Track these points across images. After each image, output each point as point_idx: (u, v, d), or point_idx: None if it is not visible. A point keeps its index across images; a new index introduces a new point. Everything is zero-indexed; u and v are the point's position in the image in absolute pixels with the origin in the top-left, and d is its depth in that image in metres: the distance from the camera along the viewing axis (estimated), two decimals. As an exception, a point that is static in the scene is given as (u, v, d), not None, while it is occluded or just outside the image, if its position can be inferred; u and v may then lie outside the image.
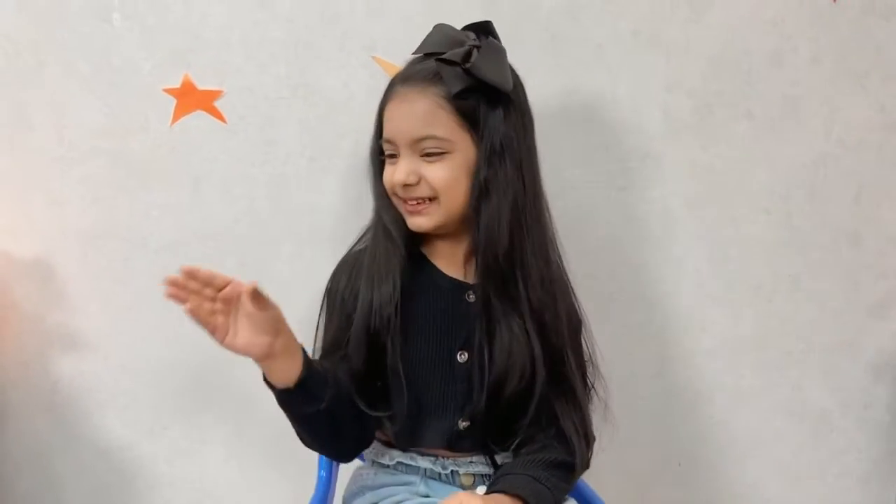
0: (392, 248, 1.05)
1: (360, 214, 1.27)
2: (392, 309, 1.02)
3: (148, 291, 1.30)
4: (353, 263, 1.08)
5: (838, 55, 1.35)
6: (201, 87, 1.26)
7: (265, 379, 0.97)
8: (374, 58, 1.28)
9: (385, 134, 1.04)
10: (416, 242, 1.07)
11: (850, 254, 1.40)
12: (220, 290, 0.89)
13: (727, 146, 1.35)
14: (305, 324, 1.28)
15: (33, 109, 1.26)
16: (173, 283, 0.88)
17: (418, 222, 1.04)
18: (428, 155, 1.01)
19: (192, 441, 1.34)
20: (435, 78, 1.01)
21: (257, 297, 0.89)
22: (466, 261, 1.07)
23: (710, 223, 1.37)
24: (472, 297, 1.06)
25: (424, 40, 1.06)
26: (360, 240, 1.12)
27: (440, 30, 1.07)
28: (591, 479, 1.16)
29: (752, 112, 1.35)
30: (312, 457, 1.22)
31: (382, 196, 1.07)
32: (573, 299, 1.12)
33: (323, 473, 1.15)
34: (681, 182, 1.35)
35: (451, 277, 1.07)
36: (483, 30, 1.06)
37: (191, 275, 0.88)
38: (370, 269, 1.05)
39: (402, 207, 1.05)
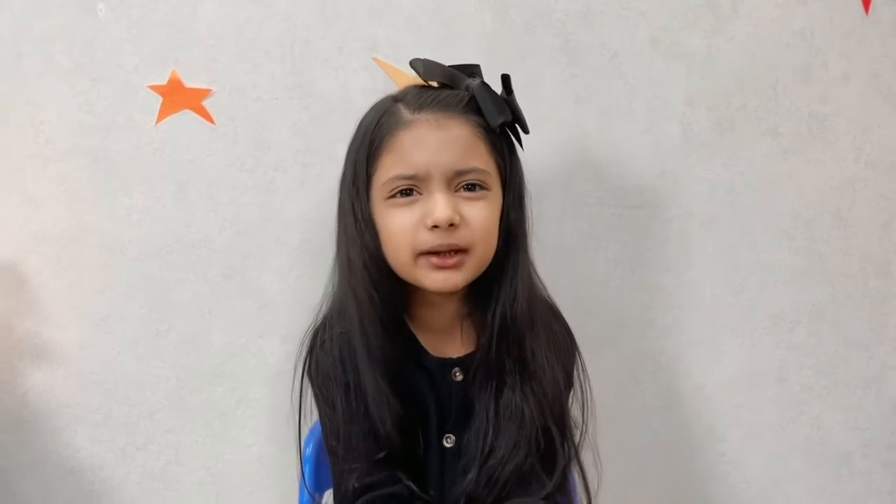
0: (382, 336, 0.93)
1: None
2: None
3: (126, 301, 1.22)
4: (343, 344, 0.96)
5: (870, 72, 1.28)
6: (189, 84, 1.19)
7: None
8: (374, 59, 1.20)
9: (405, 170, 0.89)
10: (398, 308, 0.96)
11: (878, 284, 1.32)
12: None
13: (749, 165, 1.27)
14: (289, 342, 1.20)
15: (9, 103, 1.18)
16: None
17: (450, 280, 0.90)
18: (468, 192, 0.90)
19: (167, 463, 1.26)
20: (467, 105, 0.92)
21: None
22: (454, 329, 0.97)
23: (729, 247, 1.29)
24: (458, 376, 0.97)
25: (426, 71, 0.97)
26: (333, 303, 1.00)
27: (433, 64, 0.97)
28: (592, 518, 1.07)
29: (776, 130, 1.27)
30: (294, 485, 1.14)
31: (371, 258, 0.93)
32: (571, 360, 1.02)
33: (304, 507, 1.07)
34: (698, 202, 1.28)
35: (435, 356, 0.97)
36: (471, 72, 0.96)
37: None
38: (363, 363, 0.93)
39: (420, 264, 0.90)
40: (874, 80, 1.28)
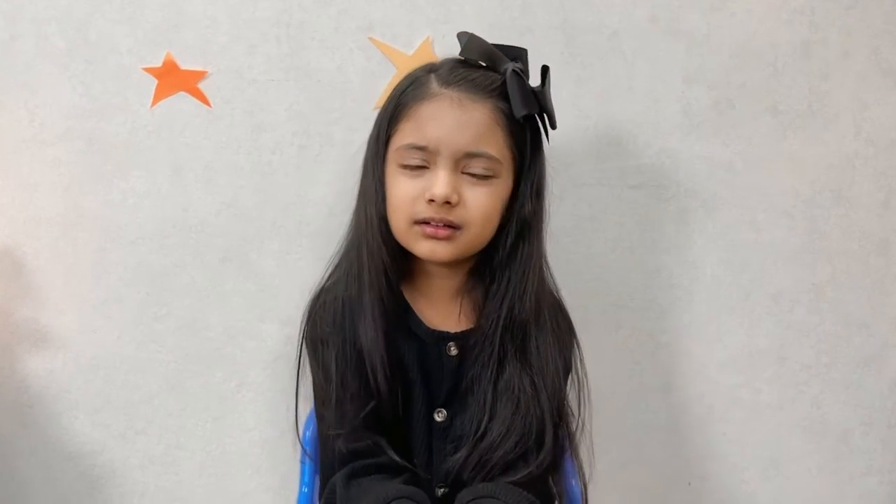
0: (383, 291, 0.94)
1: (352, 209, 1.19)
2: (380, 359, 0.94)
3: (123, 286, 1.22)
4: (339, 305, 0.97)
5: (870, 48, 1.27)
6: (184, 66, 1.18)
7: None
8: (371, 39, 1.19)
9: (418, 140, 0.91)
10: (398, 271, 0.97)
11: (878, 262, 1.31)
12: None
13: (749, 144, 1.26)
14: (288, 325, 1.20)
15: (3, 87, 1.17)
16: None
17: (437, 250, 0.92)
18: (473, 175, 0.91)
19: (168, 447, 1.25)
20: (496, 90, 0.92)
21: None
22: (452, 304, 0.98)
23: (729, 226, 1.28)
24: (453, 351, 0.97)
25: (465, 47, 0.95)
26: (335, 269, 1.03)
27: (477, 41, 0.95)
28: (595, 497, 1.07)
29: (776, 107, 1.26)
30: (295, 469, 1.15)
31: (381, 217, 0.95)
32: (571, 350, 1.03)
33: (305, 490, 1.07)
34: (698, 181, 1.27)
35: (431, 328, 0.97)
36: (515, 56, 0.96)
37: None
38: (366, 311, 0.94)
39: (414, 231, 0.93)
40: (874, 57, 1.27)
